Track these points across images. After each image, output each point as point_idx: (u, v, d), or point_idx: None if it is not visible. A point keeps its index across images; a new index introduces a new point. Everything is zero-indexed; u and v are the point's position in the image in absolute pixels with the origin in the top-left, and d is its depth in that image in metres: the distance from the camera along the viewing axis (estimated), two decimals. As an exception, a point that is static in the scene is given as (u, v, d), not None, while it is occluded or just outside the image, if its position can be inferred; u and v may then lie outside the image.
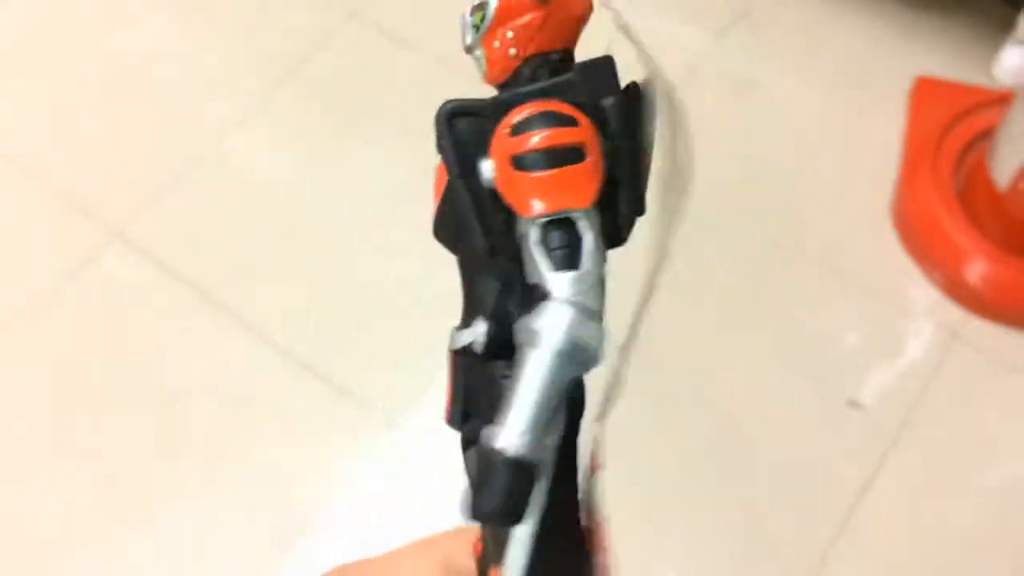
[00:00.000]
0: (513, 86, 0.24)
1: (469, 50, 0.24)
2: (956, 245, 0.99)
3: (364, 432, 0.92)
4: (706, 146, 1.18)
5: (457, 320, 0.26)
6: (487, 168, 0.23)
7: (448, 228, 0.24)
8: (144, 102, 1.13)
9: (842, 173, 1.09)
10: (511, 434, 0.21)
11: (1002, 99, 0.98)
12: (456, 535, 0.29)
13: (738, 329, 0.99)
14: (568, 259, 0.23)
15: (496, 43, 0.24)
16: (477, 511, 0.22)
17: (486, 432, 0.22)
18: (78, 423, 0.93)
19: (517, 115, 0.23)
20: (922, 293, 1.01)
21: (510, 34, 0.24)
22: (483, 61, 0.24)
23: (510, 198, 0.23)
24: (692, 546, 0.88)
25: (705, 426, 0.93)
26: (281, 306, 0.99)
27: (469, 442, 0.24)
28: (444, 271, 0.28)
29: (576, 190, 0.23)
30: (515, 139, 0.23)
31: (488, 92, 0.25)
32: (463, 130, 0.23)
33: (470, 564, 0.28)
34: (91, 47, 1.17)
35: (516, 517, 0.22)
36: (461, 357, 0.24)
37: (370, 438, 0.91)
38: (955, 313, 0.99)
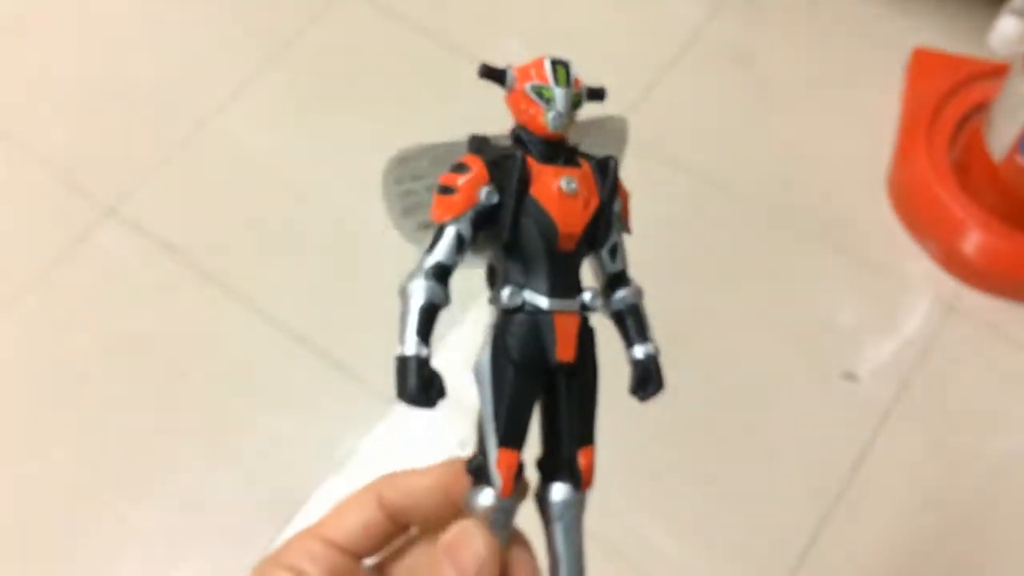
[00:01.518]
0: (563, 144, 0.35)
1: (562, 117, 0.34)
2: (952, 217, 0.99)
3: (363, 408, 0.92)
4: (702, 120, 1.17)
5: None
6: (618, 203, 0.35)
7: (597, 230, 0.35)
8: (138, 77, 1.12)
9: (838, 145, 1.09)
10: (654, 342, 0.36)
11: (998, 70, 0.98)
12: (386, 477, 0.37)
13: (733, 302, 0.99)
14: None
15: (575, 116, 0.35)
16: (659, 388, 0.36)
17: (640, 348, 0.36)
18: (77, 398, 0.93)
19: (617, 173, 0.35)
20: (918, 265, 1.01)
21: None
22: (567, 123, 0.34)
23: (626, 223, 0.36)
24: (687, 518, 0.89)
25: (699, 398, 0.93)
26: (278, 281, 0.99)
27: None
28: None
29: None
30: (626, 190, 0.36)
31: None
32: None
33: (399, 497, 0.36)
34: (83, 22, 1.17)
35: None
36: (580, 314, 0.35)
37: (369, 414, 0.92)
38: (951, 285, 1.00)
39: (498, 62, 0.35)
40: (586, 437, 0.35)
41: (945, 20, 1.14)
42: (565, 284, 0.34)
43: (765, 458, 0.91)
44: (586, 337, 0.34)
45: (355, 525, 0.36)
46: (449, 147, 0.37)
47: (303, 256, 1.01)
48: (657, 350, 0.36)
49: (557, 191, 0.33)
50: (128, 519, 0.88)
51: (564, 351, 0.34)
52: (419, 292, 0.33)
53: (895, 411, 0.93)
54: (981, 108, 1.02)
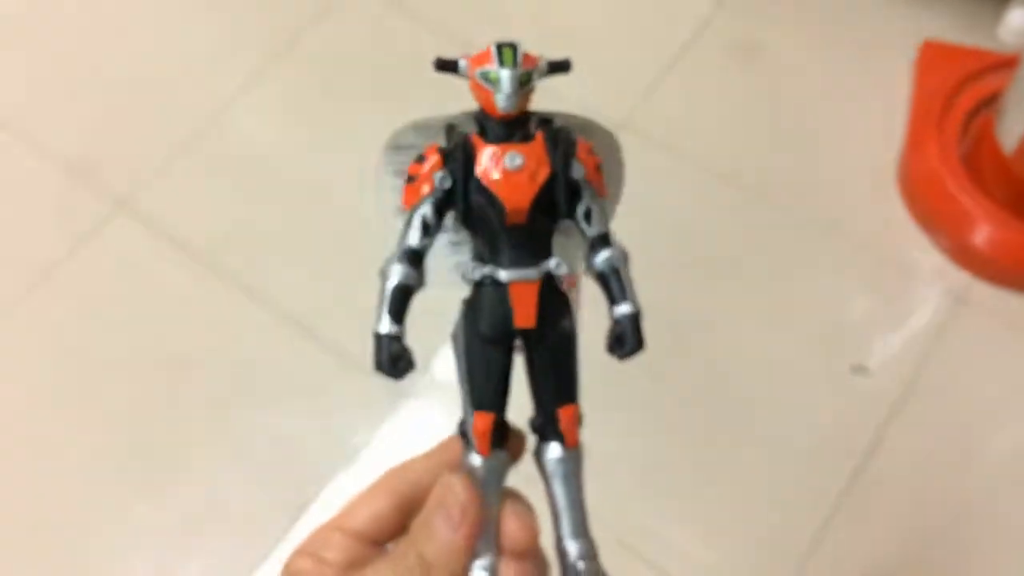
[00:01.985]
0: (526, 119, 0.36)
1: (510, 97, 0.35)
2: (962, 209, 0.99)
3: (372, 401, 0.92)
4: (711, 112, 1.17)
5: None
6: (579, 168, 0.36)
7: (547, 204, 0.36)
8: (147, 73, 1.13)
9: (848, 138, 1.08)
10: (635, 302, 0.36)
11: (1009, 63, 0.98)
12: (391, 470, 0.39)
13: (742, 295, 0.99)
14: None
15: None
16: (636, 348, 0.36)
17: (619, 308, 0.36)
18: (87, 392, 0.94)
19: (586, 142, 0.37)
20: (928, 258, 1.01)
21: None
22: (517, 102, 0.35)
23: (598, 188, 0.37)
24: (695, 510, 0.89)
25: (710, 392, 0.93)
26: (286, 275, 0.99)
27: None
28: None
29: None
30: (595, 156, 0.37)
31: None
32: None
33: (404, 485, 0.39)
34: (93, 18, 1.17)
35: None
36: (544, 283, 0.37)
37: (381, 408, 0.92)
38: (960, 278, 0.99)
39: None
40: (563, 397, 0.37)
41: (955, 12, 1.14)
42: (526, 254, 0.36)
43: (775, 451, 0.91)
44: (553, 302, 0.36)
45: (367, 517, 0.38)
46: (438, 131, 0.39)
47: (313, 251, 1.01)
48: (638, 310, 0.37)
49: (501, 169, 0.35)
50: (140, 515, 0.88)
51: (522, 319, 0.36)
52: (394, 275, 0.36)
53: (905, 403, 0.93)
54: (992, 100, 1.01)
